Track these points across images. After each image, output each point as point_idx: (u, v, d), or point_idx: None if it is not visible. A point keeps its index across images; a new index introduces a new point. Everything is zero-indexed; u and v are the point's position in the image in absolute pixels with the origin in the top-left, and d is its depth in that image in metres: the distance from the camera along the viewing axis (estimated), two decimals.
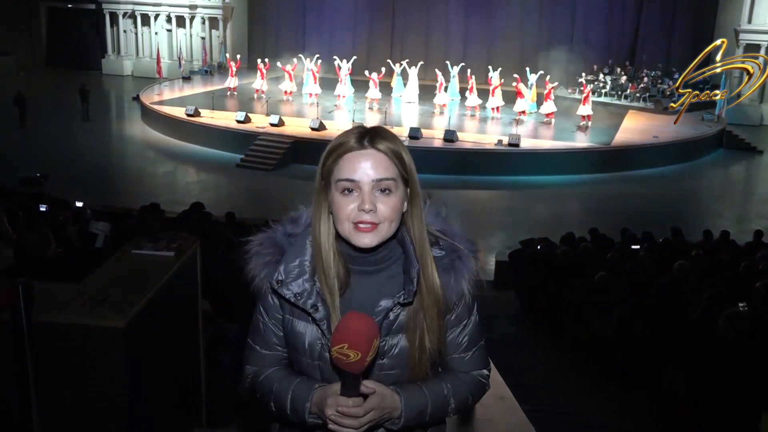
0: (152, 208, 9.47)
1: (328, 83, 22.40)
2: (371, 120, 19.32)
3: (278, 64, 21.86)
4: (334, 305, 1.57)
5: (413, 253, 1.57)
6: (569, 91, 24.54)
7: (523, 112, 20.02)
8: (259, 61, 22.17)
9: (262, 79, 21.55)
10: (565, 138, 18.75)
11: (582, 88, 20.41)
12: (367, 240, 1.52)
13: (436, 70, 21.50)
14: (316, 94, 21.28)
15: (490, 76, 20.69)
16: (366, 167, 1.51)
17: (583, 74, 24.92)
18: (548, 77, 20.89)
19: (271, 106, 20.14)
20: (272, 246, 1.64)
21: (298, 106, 21.23)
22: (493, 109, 20.35)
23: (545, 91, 20.04)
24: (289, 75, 21.61)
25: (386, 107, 20.32)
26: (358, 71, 22.79)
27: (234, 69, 22.49)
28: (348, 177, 1.51)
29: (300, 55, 22.82)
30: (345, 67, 21.54)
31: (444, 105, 20.81)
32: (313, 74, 21.42)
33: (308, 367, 1.64)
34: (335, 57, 22.71)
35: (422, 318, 1.59)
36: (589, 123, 19.71)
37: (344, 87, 21.26)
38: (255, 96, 21.26)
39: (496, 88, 20.22)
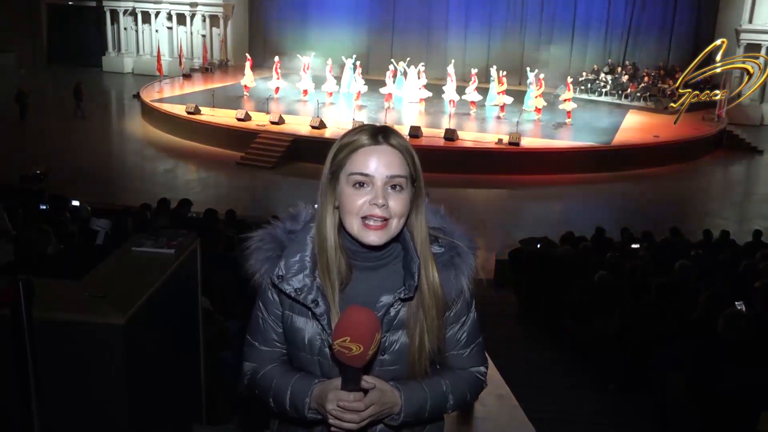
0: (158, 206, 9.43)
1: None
2: (370, 120, 19.30)
3: (298, 56, 22.02)
4: (335, 300, 1.58)
5: (413, 249, 1.58)
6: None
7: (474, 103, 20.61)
8: (276, 59, 22.19)
9: (278, 78, 21.64)
10: (563, 137, 18.75)
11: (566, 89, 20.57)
12: (375, 238, 1.53)
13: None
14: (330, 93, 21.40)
15: (502, 75, 20.83)
16: (380, 163, 1.52)
17: (584, 73, 24.94)
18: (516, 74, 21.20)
19: (290, 105, 20.33)
20: (272, 242, 1.64)
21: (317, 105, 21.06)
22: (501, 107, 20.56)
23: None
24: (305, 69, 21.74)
25: (389, 105, 20.43)
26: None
27: (249, 67, 22.31)
28: (361, 171, 1.51)
29: (297, 55, 22.77)
30: (349, 64, 21.70)
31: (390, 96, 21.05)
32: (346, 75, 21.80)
33: (308, 363, 1.64)
34: (343, 57, 22.87)
35: (422, 314, 1.59)
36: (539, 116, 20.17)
37: (357, 84, 21.56)
38: (274, 96, 21.20)
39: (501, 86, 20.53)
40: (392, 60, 23.19)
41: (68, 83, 22.40)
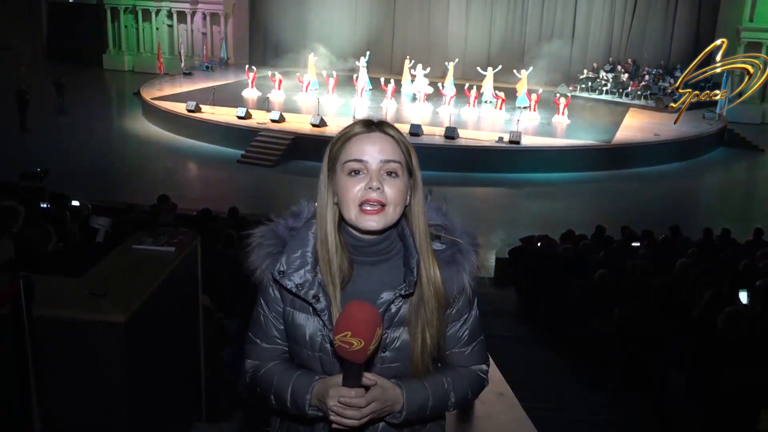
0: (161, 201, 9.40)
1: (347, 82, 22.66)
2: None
3: (300, 76, 22.25)
4: (336, 296, 1.58)
5: (413, 245, 1.58)
6: (570, 89, 24.52)
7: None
8: (270, 74, 22.20)
9: (279, 89, 21.74)
10: (565, 135, 18.74)
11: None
12: (372, 223, 1.53)
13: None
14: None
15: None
16: (373, 148, 1.54)
17: (585, 71, 24.92)
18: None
19: (291, 103, 20.47)
20: (274, 238, 1.64)
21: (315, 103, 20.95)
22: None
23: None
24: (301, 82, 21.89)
25: (392, 104, 20.52)
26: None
27: (251, 80, 22.22)
28: (355, 157, 1.54)
29: (306, 52, 22.79)
30: (363, 63, 22.09)
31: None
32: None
33: (309, 359, 1.64)
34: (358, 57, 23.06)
35: (423, 311, 1.59)
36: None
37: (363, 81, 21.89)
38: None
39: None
40: (407, 60, 23.40)
41: (68, 81, 22.35)
